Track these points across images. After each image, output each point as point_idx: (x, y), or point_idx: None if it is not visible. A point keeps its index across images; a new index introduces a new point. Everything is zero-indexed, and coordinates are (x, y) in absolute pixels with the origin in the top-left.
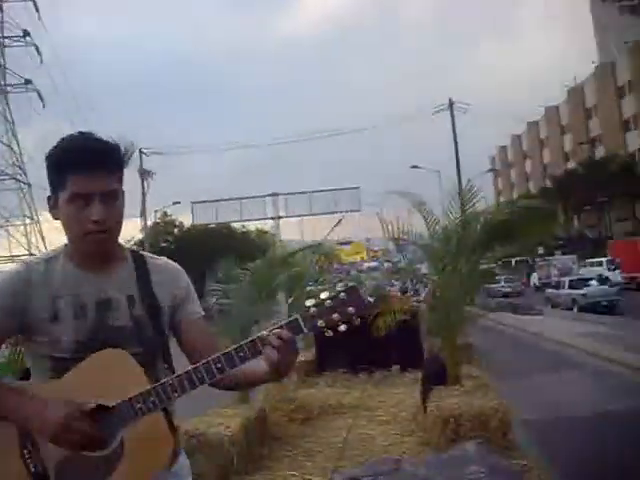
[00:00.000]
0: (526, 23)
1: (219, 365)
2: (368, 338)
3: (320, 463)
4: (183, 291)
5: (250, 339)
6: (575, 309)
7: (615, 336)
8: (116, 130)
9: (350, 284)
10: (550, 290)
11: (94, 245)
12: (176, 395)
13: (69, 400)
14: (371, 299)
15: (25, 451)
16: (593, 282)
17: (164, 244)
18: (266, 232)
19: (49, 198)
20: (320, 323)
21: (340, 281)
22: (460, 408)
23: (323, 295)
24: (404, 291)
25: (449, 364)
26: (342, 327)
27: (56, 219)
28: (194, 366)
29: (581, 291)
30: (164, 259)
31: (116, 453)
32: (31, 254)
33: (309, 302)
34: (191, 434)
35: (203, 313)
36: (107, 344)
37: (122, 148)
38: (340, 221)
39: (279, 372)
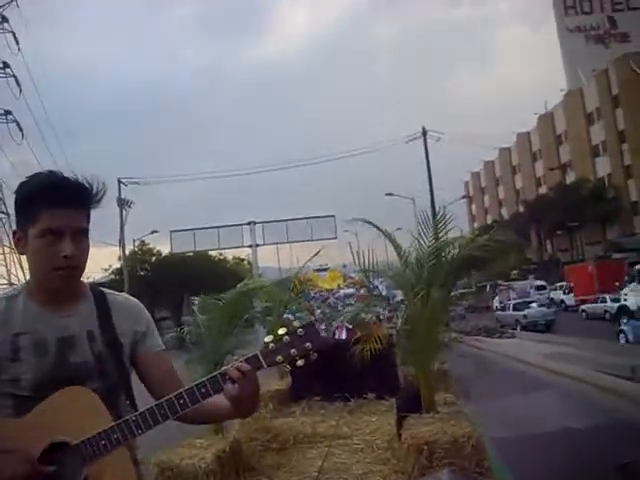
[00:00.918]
0: (498, 52)
1: (182, 401)
2: (343, 366)
3: None
4: (144, 326)
5: (212, 375)
6: (518, 328)
7: (581, 357)
8: (95, 159)
9: (307, 320)
10: (498, 312)
11: (61, 281)
12: (139, 432)
13: (26, 455)
14: (349, 326)
15: None
16: (533, 305)
17: (142, 272)
18: (242, 260)
19: (14, 232)
20: (279, 359)
21: (318, 308)
22: (434, 435)
23: (281, 331)
24: (379, 318)
25: (424, 391)
26: (299, 362)
27: (21, 254)
28: (157, 403)
29: (522, 312)
30: (124, 295)
31: None
32: (11, 284)
33: (268, 338)
34: (165, 466)
35: (164, 347)
36: (68, 381)
37: (94, 188)
38: (318, 252)
39: (241, 408)
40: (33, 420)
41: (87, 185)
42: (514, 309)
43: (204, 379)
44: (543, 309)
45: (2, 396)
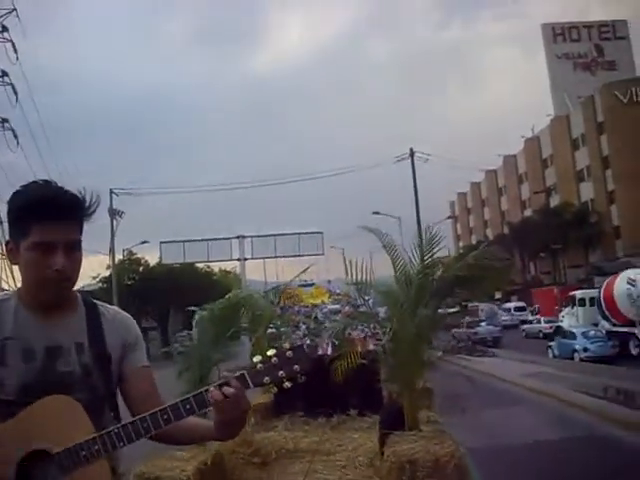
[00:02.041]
0: (487, 75)
1: (165, 416)
2: (326, 382)
3: None
4: (133, 340)
5: (197, 391)
6: (470, 343)
7: (556, 376)
8: (87, 168)
9: (297, 343)
10: (455, 329)
11: (52, 293)
12: (121, 444)
13: (13, 446)
14: (335, 341)
15: None
16: (483, 324)
17: (129, 282)
18: (229, 272)
19: (7, 243)
20: (266, 380)
21: (303, 323)
22: (417, 453)
23: (270, 352)
24: (365, 335)
25: (407, 409)
26: (287, 384)
27: (14, 264)
28: (141, 416)
29: (473, 330)
30: (115, 308)
31: None
32: (2, 289)
33: (256, 358)
34: (145, 477)
35: (148, 363)
36: (53, 389)
37: (88, 200)
38: (307, 268)
39: (223, 431)
40: (15, 426)
41: (80, 198)
42: (467, 327)
43: (189, 395)
44: (490, 327)
45: None
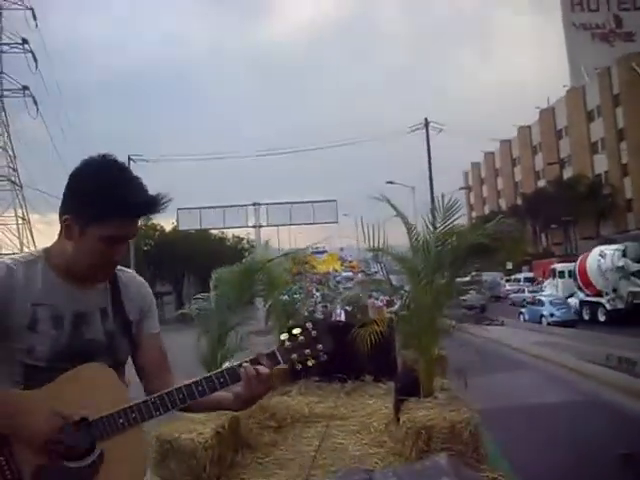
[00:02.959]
0: (502, 46)
1: (200, 388)
2: (341, 348)
3: (292, 472)
4: (148, 307)
5: (230, 366)
6: (480, 311)
7: (562, 344)
8: (104, 135)
9: (316, 318)
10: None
11: (102, 276)
12: (157, 413)
13: (56, 411)
14: (348, 308)
15: (1, 458)
16: (473, 292)
17: (145, 247)
18: (242, 239)
19: (66, 218)
20: (294, 357)
21: (316, 290)
22: (432, 420)
23: (296, 330)
24: (380, 302)
25: (422, 376)
26: (310, 362)
27: (69, 239)
28: (177, 387)
29: (463, 297)
30: (131, 272)
31: (94, 465)
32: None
33: (283, 336)
34: (164, 439)
35: (159, 330)
36: (80, 356)
37: (162, 202)
38: (326, 238)
39: (244, 404)
40: (52, 393)
41: (159, 201)
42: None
43: (223, 369)
44: (478, 295)
45: (13, 364)
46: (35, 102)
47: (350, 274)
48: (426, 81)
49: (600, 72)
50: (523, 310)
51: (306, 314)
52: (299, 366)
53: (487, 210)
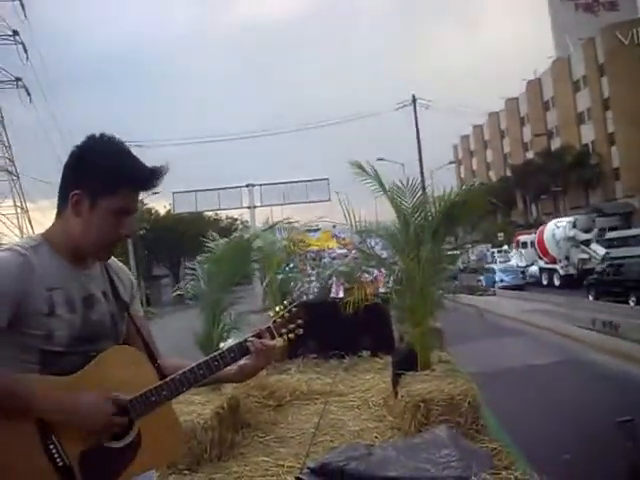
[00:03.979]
0: (487, 18)
1: (216, 363)
2: (338, 324)
3: (293, 449)
4: (134, 289)
5: (239, 341)
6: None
7: (552, 311)
8: (94, 120)
9: (294, 299)
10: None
11: (109, 251)
12: (184, 389)
13: (108, 397)
14: (346, 285)
15: (51, 446)
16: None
17: (141, 232)
18: (236, 220)
19: (76, 194)
20: (283, 331)
21: (311, 268)
22: (431, 393)
23: (278, 308)
24: (374, 277)
25: (419, 349)
26: (291, 335)
27: (77, 216)
28: (197, 363)
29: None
30: (113, 258)
31: (134, 443)
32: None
33: (272, 313)
34: None
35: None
36: (91, 338)
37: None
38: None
39: (246, 375)
40: (87, 377)
41: (162, 171)
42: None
43: (232, 345)
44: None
45: (28, 350)
46: (28, 93)
47: (344, 251)
48: (412, 56)
49: (585, 42)
50: (481, 277)
51: (301, 291)
52: (287, 341)
53: (477, 182)
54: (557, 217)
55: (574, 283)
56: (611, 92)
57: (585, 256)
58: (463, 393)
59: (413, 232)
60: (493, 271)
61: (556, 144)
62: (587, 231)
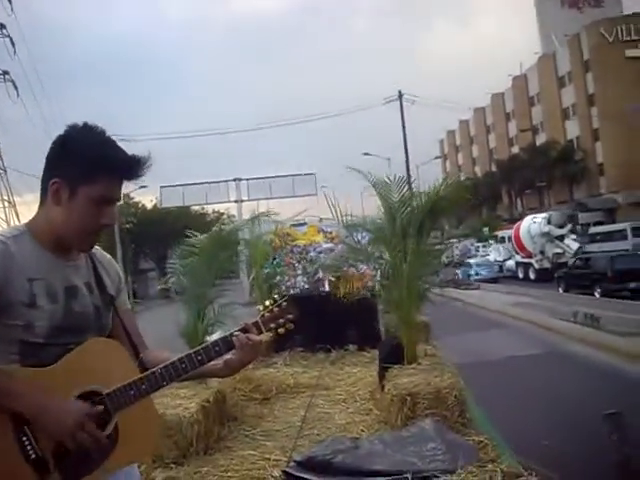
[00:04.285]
0: (474, 14)
1: (199, 357)
2: (325, 317)
3: (279, 442)
4: (121, 282)
5: (224, 336)
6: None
7: (534, 304)
8: (82, 115)
9: (283, 293)
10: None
11: (91, 241)
12: (164, 383)
13: (77, 402)
14: (332, 278)
15: (24, 438)
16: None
17: (127, 225)
18: (222, 214)
19: (55, 182)
20: (272, 326)
21: (298, 262)
22: (417, 386)
23: (267, 302)
24: (361, 271)
25: (406, 343)
26: (281, 330)
27: (57, 205)
28: (179, 357)
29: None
30: (99, 249)
31: (111, 437)
32: None
33: (261, 307)
34: None
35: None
36: (73, 330)
37: (145, 164)
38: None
39: (232, 370)
40: (65, 368)
41: (144, 161)
42: None
43: (217, 339)
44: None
45: (8, 341)
46: (15, 87)
47: (331, 245)
48: (399, 52)
49: (570, 39)
50: (458, 271)
51: (287, 285)
52: (275, 335)
53: (463, 177)
54: (542, 212)
55: (549, 277)
56: (596, 88)
57: (559, 250)
58: (449, 387)
59: (399, 226)
60: (469, 265)
61: (541, 139)
62: (561, 227)
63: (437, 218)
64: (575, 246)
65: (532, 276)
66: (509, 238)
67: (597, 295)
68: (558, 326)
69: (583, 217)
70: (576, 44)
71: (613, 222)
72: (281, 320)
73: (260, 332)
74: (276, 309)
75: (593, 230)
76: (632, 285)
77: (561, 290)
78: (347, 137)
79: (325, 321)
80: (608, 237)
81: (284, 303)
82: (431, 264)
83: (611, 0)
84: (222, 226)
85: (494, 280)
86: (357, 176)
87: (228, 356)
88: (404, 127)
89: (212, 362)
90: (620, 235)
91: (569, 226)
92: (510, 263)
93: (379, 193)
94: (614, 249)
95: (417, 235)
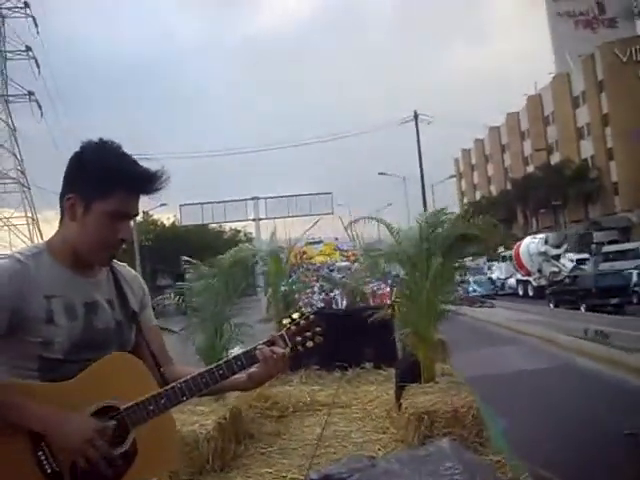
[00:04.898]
0: (489, 34)
1: (221, 371)
2: (341, 335)
3: (295, 460)
4: (146, 297)
5: (247, 350)
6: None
7: (546, 322)
8: (102, 133)
9: (314, 308)
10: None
11: (107, 257)
12: (184, 398)
13: (88, 418)
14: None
15: (40, 453)
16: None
17: (146, 243)
18: (239, 231)
19: (71, 198)
20: (298, 340)
21: (315, 280)
22: (435, 405)
23: (295, 315)
24: (379, 290)
25: (423, 361)
26: (309, 344)
27: (72, 220)
28: (200, 372)
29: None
30: (125, 265)
31: (129, 453)
32: None
33: (286, 321)
34: None
35: (156, 322)
36: (93, 347)
37: (163, 179)
38: (316, 222)
39: (254, 384)
40: (82, 384)
41: (160, 176)
42: None
43: (240, 353)
44: None
45: (28, 357)
46: (39, 106)
47: (347, 263)
48: (415, 71)
49: (584, 59)
50: (458, 288)
51: (304, 302)
52: (301, 348)
53: (478, 196)
54: (557, 230)
55: (544, 294)
56: (610, 108)
57: (555, 269)
58: (467, 405)
59: (426, 245)
60: (468, 282)
61: (556, 159)
62: (557, 247)
63: (467, 243)
64: (570, 265)
65: (530, 293)
66: (510, 257)
67: (583, 310)
68: (530, 330)
69: (597, 236)
70: (590, 64)
71: (627, 241)
72: (308, 333)
73: (286, 345)
74: (303, 322)
75: (606, 249)
76: (614, 301)
77: (552, 306)
78: (364, 157)
79: (341, 339)
80: (621, 256)
81: (312, 316)
82: (450, 282)
83: (625, 21)
84: (240, 245)
85: (490, 297)
86: (372, 195)
87: (252, 369)
88: (419, 148)
89: (235, 376)
90: (633, 254)
91: (565, 246)
92: (511, 281)
93: (388, 227)
94: (627, 267)
95: (442, 256)
